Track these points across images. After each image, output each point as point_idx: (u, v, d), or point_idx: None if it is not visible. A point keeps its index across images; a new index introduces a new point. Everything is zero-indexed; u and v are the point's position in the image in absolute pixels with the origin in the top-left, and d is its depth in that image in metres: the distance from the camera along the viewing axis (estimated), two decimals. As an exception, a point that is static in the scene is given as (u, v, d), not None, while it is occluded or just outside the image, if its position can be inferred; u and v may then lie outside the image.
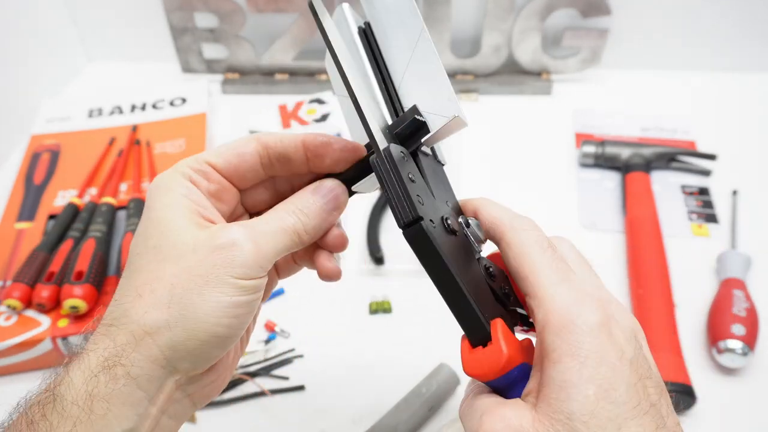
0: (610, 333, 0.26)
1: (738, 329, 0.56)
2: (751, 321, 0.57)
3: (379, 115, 0.34)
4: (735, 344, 0.56)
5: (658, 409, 0.26)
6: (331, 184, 0.35)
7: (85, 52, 1.07)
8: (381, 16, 0.36)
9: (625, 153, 0.80)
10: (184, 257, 0.30)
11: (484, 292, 0.31)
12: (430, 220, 0.29)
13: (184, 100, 0.90)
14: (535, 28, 0.92)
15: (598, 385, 0.25)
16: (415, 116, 0.32)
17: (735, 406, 0.55)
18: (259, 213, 0.36)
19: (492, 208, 0.33)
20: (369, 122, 0.31)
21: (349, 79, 0.32)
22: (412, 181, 0.30)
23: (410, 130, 0.33)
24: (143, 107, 0.89)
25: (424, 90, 0.33)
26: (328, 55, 0.37)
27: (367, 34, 0.36)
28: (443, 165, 0.37)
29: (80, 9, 1.01)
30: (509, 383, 0.29)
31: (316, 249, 0.37)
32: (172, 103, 0.89)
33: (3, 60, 0.86)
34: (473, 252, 0.32)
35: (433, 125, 0.32)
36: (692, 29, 0.96)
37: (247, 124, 0.87)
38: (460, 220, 0.33)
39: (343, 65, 0.32)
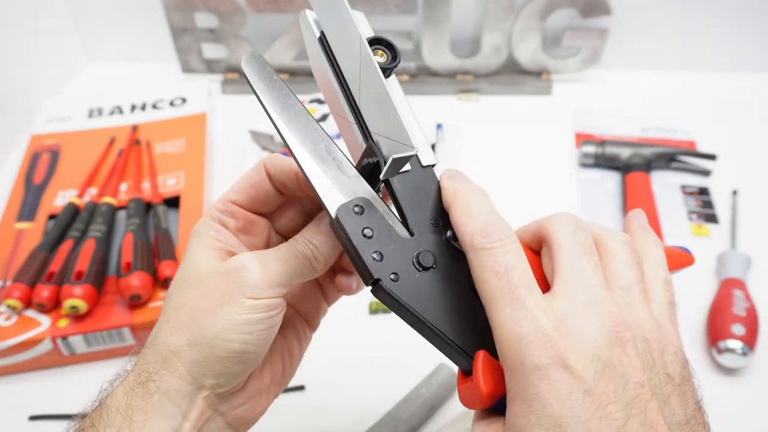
0: (563, 367, 0.25)
1: (738, 329, 0.56)
2: (751, 321, 0.57)
3: (355, 141, 0.33)
4: (735, 344, 0.56)
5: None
6: None
7: (85, 52, 1.07)
8: (327, 22, 0.33)
9: (625, 153, 0.80)
10: (202, 283, 0.33)
11: (473, 319, 0.30)
12: (393, 274, 0.29)
13: (184, 100, 0.90)
14: (535, 28, 0.92)
15: (545, 428, 0.25)
16: (367, 159, 0.32)
17: (735, 406, 0.55)
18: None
19: (459, 216, 0.30)
20: (315, 187, 0.31)
21: (291, 147, 0.32)
22: (369, 237, 0.30)
23: (370, 168, 0.32)
24: (143, 107, 0.89)
25: (377, 111, 0.31)
26: (313, 67, 0.36)
27: (324, 44, 0.34)
28: (433, 165, 0.34)
29: (80, 9, 1.01)
30: (500, 407, 0.28)
31: (336, 268, 0.40)
32: (172, 103, 0.89)
33: (3, 60, 0.86)
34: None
35: (387, 158, 0.30)
36: (692, 29, 0.96)
37: (247, 124, 0.87)
38: (448, 234, 0.32)
39: (275, 121, 0.32)
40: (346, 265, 0.39)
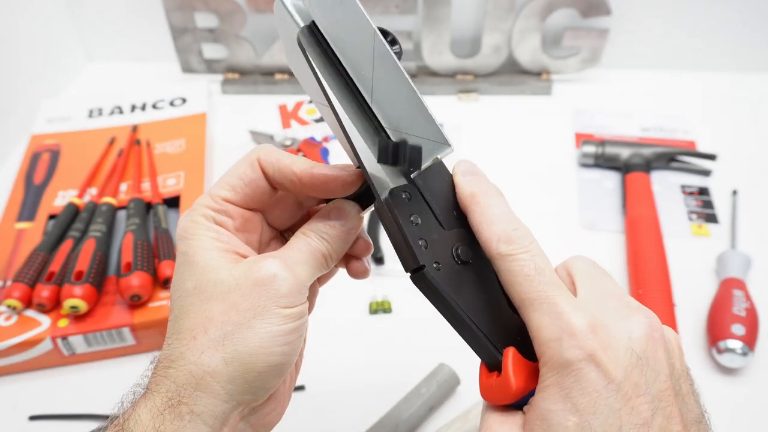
0: (597, 362, 0.26)
1: (738, 329, 0.56)
2: (751, 321, 0.57)
3: (371, 136, 0.33)
4: (735, 344, 0.56)
5: (649, 427, 0.26)
6: (348, 208, 0.36)
7: (85, 52, 1.07)
8: (325, 12, 0.32)
9: (625, 153, 0.80)
10: (228, 294, 0.31)
11: (501, 316, 0.31)
12: (435, 263, 0.30)
13: (184, 100, 0.90)
14: (535, 28, 0.92)
15: (579, 416, 0.26)
16: (411, 148, 0.31)
17: (735, 406, 0.55)
18: (288, 229, 0.38)
19: (479, 222, 0.31)
20: (368, 169, 0.31)
21: (341, 118, 0.31)
22: (416, 224, 0.30)
23: (408, 162, 0.32)
24: (143, 107, 0.89)
25: (400, 109, 0.31)
26: (290, 57, 0.35)
27: (315, 35, 0.32)
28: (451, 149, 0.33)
29: (80, 9, 1.01)
30: (522, 402, 0.29)
31: (346, 256, 0.39)
32: (172, 103, 0.89)
33: (3, 60, 0.86)
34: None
35: (425, 156, 0.31)
36: (692, 29, 0.96)
37: (247, 124, 0.87)
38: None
39: (333, 102, 0.31)
40: (355, 251, 0.38)
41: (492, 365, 0.31)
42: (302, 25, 0.32)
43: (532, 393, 0.29)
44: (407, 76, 0.30)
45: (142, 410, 0.30)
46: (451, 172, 0.33)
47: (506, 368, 0.29)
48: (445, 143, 0.30)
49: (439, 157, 0.29)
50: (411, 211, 0.30)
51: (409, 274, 0.30)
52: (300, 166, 0.34)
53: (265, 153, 0.35)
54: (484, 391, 0.31)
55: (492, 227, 0.30)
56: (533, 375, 0.29)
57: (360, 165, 0.31)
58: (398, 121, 0.31)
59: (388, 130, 0.32)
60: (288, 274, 0.32)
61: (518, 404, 0.29)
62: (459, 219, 0.32)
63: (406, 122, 0.31)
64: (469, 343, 0.31)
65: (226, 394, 0.31)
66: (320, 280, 0.41)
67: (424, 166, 0.31)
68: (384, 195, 0.31)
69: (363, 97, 0.33)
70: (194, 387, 0.30)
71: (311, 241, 0.34)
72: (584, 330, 0.27)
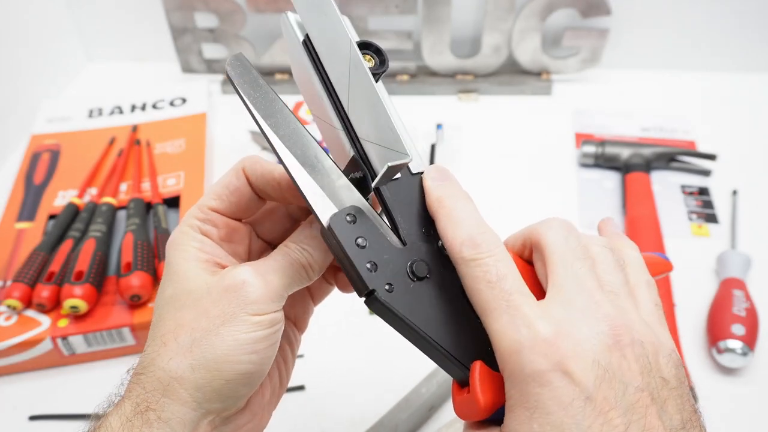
0: (564, 373, 0.25)
1: (738, 329, 0.56)
2: (751, 321, 0.57)
3: (340, 147, 0.32)
4: (735, 344, 0.56)
5: None
6: None
7: (85, 52, 1.07)
8: (314, 25, 0.32)
9: (625, 153, 0.80)
10: (200, 301, 0.31)
11: (468, 329, 0.30)
12: (387, 285, 0.29)
13: (184, 100, 0.90)
14: (535, 28, 0.92)
15: None
16: (353, 174, 0.31)
17: (735, 406, 0.55)
18: (279, 243, 0.37)
19: (445, 226, 0.30)
20: (306, 195, 0.30)
21: (277, 151, 0.31)
22: (362, 247, 0.29)
23: (359, 176, 0.32)
24: (143, 107, 0.89)
25: (368, 117, 0.30)
26: (294, 70, 0.35)
27: (308, 47, 0.33)
28: (422, 173, 0.33)
29: (80, 9, 1.01)
30: (495, 417, 0.28)
31: (334, 269, 0.38)
32: (172, 103, 0.89)
33: (3, 60, 0.86)
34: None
35: (379, 166, 0.30)
36: (692, 29, 0.96)
37: (247, 124, 0.87)
38: (440, 243, 0.31)
39: (262, 128, 0.31)
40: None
41: (462, 381, 0.30)
42: (301, 38, 0.33)
43: (499, 412, 0.28)
44: (373, 81, 0.29)
45: (113, 417, 0.30)
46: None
47: (473, 384, 0.28)
48: (403, 152, 0.28)
49: (390, 165, 0.28)
50: (357, 233, 0.29)
51: (363, 300, 0.29)
52: (281, 172, 0.34)
53: (250, 162, 0.35)
54: (457, 408, 0.30)
55: (457, 230, 0.29)
56: (501, 391, 0.28)
57: (300, 193, 0.31)
58: (367, 131, 0.31)
59: (360, 140, 0.32)
60: (258, 281, 0.31)
61: (495, 419, 0.28)
62: (426, 231, 0.32)
63: (372, 131, 0.30)
64: (435, 362, 0.30)
65: (194, 401, 0.30)
66: (314, 299, 0.41)
67: (379, 175, 0.29)
68: (326, 220, 0.30)
69: (343, 108, 0.32)
70: (162, 393, 0.30)
71: (290, 252, 0.33)
72: (549, 338, 0.25)
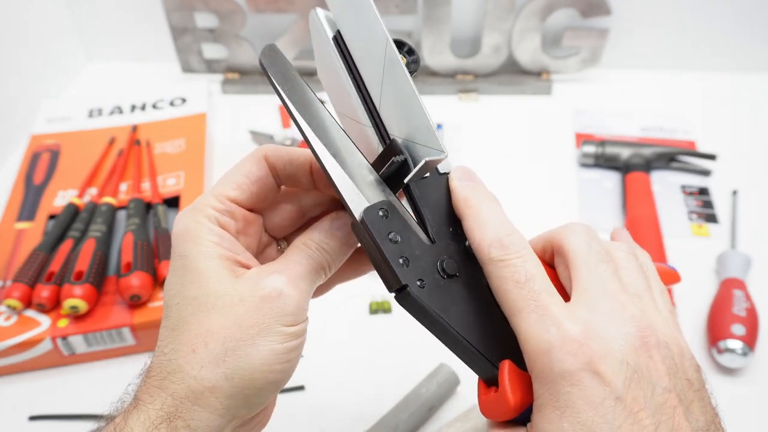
0: (594, 373, 0.25)
1: (738, 329, 0.56)
2: (751, 321, 0.57)
3: (366, 144, 0.32)
4: (735, 344, 0.56)
5: None
6: (348, 219, 0.35)
7: (85, 52, 1.07)
8: (348, 22, 0.32)
9: (625, 153, 0.80)
10: (231, 309, 0.30)
11: (496, 328, 0.30)
12: (419, 280, 0.29)
13: (184, 100, 0.90)
14: (535, 28, 0.92)
15: None
16: (394, 158, 0.31)
17: (735, 406, 0.55)
18: (284, 238, 0.37)
19: (473, 227, 0.30)
20: (340, 188, 0.30)
21: (312, 145, 0.31)
22: (395, 242, 0.29)
23: (393, 170, 0.32)
24: (143, 107, 0.89)
25: (402, 115, 0.31)
26: (319, 66, 0.35)
27: (339, 44, 0.33)
28: (448, 173, 0.33)
29: (80, 9, 1.01)
30: (522, 417, 0.28)
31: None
32: (172, 103, 0.89)
33: (3, 60, 0.86)
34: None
35: (415, 161, 0.30)
36: (692, 29, 0.96)
37: (247, 124, 0.87)
38: (467, 243, 0.31)
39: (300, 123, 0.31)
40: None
41: (489, 380, 0.30)
42: (331, 35, 0.33)
43: (528, 410, 0.28)
44: (410, 79, 0.30)
45: (135, 423, 0.29)
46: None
47: (503, 383, 0.28)
48: (439, 149, 0.29)
49: (427, 159, 0.29)
50: (389, 228, 0.29)
51: (393, 295, 0.29)
52: (306, 156, 0.34)
53: (272, 149, 0.34)
54: (484, 408, 0.30)
55: (484, 231, 0.29)
56: (530, 390, 0.28)
57: (332, 185, 0.31)
58: (399, 127, 0.31)
59: (392, 137, 0.32)
60: (293, 291, 0.31)
61: (521, 419, 0.28)
62: (454, 230, 0.32)
63: (405, 128, 0.31)
64: (463, 360, 0.30)
65: (224, 409, 0.30)
66: (314, 293, 0.41)
67: (414, 170, 0.30)
68: (359, 214, 0.30)
69: (374, 104, 0.32)
70: (192, 402, 0.29)
71: (312, 254, 0.33)
72: (578, 338, 0.25)
